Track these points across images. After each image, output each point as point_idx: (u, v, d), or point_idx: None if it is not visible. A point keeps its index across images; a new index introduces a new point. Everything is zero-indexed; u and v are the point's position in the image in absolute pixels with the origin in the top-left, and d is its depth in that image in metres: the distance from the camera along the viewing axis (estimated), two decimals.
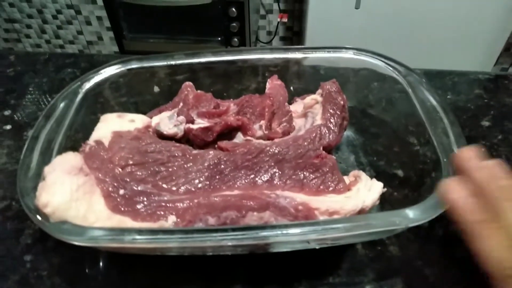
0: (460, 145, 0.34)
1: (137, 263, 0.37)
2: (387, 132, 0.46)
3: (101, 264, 0.37)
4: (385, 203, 0.38)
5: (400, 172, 0.43)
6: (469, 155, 0.27)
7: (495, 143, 0.46)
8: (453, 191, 0.26)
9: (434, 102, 0.38)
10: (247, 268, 0.36)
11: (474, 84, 0.54)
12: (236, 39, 1.67)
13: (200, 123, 0.39)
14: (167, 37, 1.74)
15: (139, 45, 1.79)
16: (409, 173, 0.42)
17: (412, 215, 0.29)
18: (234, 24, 1.63)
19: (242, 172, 0.36)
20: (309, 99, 0.43)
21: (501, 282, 0.23)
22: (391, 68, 0.43)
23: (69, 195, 0.30)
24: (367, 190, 0.35)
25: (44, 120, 0.38)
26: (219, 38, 1.68)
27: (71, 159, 0.33)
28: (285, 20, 1.88)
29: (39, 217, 0.30)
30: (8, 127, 0.50)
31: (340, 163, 0.45)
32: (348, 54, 0.45)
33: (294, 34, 1.96)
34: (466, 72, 0.56)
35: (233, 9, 1.59)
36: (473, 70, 0.56)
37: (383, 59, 0.43)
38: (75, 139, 0.38)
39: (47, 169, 0.32)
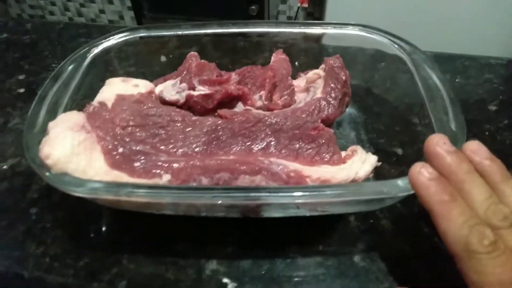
0: (458, 123, 0.34)
1: (136, 222, 0.38)
2: (390, 111, 0.46)
3: (102, 220, 0.39)
4: (382, 179, 0.39)
5: (399, 151, 0.43)
6: (439, 141, 0.27)
7: (501, 128, 0.45)
8: (421, 173, 0.26)
9: (436, 80, 0.38)
10: (240, 233, 0.37)
11: (484, 68, 0.53)
12: None
13: (201, 90, 0.39)
14: (186, 18, 1.75)
15: None
16: (408, 152, 0.42)
17: (402, 184, 0.30)
18: (253, 7, 1.62)
19: (239, 139, 0.36)
20: (312, 73, 0.43)
21: (462, 260, 0.24)
22: (396, 46, 0.42)
23: (70, 149, 0.32)
24: (361, 162, 0.35)
25: (52, 81, 0.39)
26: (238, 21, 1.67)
27: (75, 116, 0.35)
28: (305, 5, 1.86)
29: (42, 169, 0.32)
30: (22, 90, 0.52)
31: (340, 139, 0.45)
32: (354, 31, 0.44)
33: (314, 20, 1.94)
34: (477, 56, 0.55)
35: None
36: (484, 55, 0.55)
37: (388, 37, 0.43)
38: (81, 102, 0.40)
39: (51, 124, 0.33)
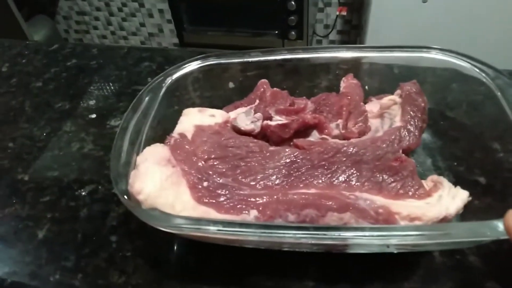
0: None
1: (212, 251, 0.38)
2: (468, 136, 0.44)
3: (182, 250, 0.39)
4: (465, 211, 0.37)
5: (482, 179, 0.41)
6: None
7: None
8: None
9: None
10: (320, 266, 0.37)
11: None
12: (293, 33, 1.67)
13: (278, 120, 0.39)
14: (226, 30, 1.78)
15: (198, 38, 1.84)
16: (492, 181, 0.40)
17: (502, 227, 0.28)
18: (293, 17, 1.62)
19: (319, 171, 0.36)
20: (387, 99, 0.42)
21: None
22: (477, 70, 0.41)
23: (159, 184, 0.32)
24: (450, 197, 0.34)
25: (132, 112, 0.40)
26: (276, 31, 1.69)
27: (160, 150, 0.35)
28: (344, 13, 1.84)
29: (132, 203, 0.32)
30: (93, 116, 0.54)
31: (416, 166, 0.43)
32: (431, 55, 0.43)
33: (352, 28, 1.92)
34: None
35: (292, 2, 1.59)
36: None
37: (469, 61, 0.41)
38: (159, 131, 0.41)
39: (139, 159, 0.34)
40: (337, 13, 1.83)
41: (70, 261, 0.39)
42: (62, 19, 2.32)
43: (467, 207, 0.37)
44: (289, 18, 1.62)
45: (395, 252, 0.34)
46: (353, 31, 1.91)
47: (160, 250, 0.39)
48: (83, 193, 0.45)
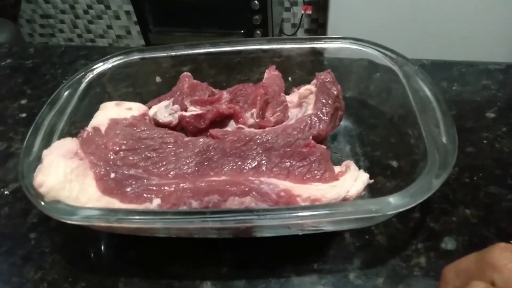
0: (449, 136, 0.34)
1: (131, 245, 0.39)
2: (385, 123, 0.46)
3: (100, 243, 0.39)
4: (377, 193, 0.38)
5: (394, 163, 0.42)
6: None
7: (499, 135, 0.45)
8: None
9: (427, 92, 0.38)
10: (234, 253, 0.37)
11: (482, 74, 0.52)
12: (258, 32, 1.68)
13: (193, 110, 0.40)
14: (192, 30, 1.77)
15: (164, 39, 1.83)
16: (403, 164, 0.42)
17: (393, 201, 0.29)
18: (257, 16, 1.63)
19: (230, 159, 0.37)
20: (304, 89, 0.43)
21: None
22: (388, 58, 0.42)
23: (63, 177, 0.32)
24: (353, 180, 0.35)
25: (48, 108, 0.40)
26: (242, 31, 1.70)
27: (68, 143, 0.35)
28: (309, 12, 1.86)
29: (36, 197, 0.32)
30: (24, 115, 0.54)
31: (335, 153, 0.45)
32: (345, 44, 0.44)
33: (319, 26, 1.94)
34: (475, 62, 0.54)
35: (256, 1, 1.60)
36: (483, 61, 0.54)
37: (380, 49, 0.43)
38: (78, 126, 0.41)
39: (45, 152, 0.34)
40: (303, 11, 1.86)
41: None
42: (26, 23, 2.27)
43: (379, 188, 0.39)
44: (253, 17, 1.63)
45: (300, 233, 0.35)
46: (320, 29, 1.93)
47: (79, 245, 0.39)
48: (5, 192, 0.44)
